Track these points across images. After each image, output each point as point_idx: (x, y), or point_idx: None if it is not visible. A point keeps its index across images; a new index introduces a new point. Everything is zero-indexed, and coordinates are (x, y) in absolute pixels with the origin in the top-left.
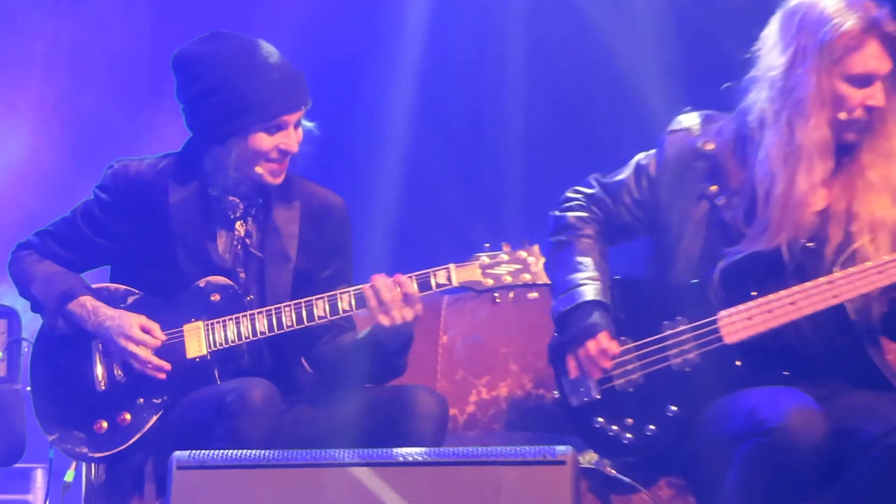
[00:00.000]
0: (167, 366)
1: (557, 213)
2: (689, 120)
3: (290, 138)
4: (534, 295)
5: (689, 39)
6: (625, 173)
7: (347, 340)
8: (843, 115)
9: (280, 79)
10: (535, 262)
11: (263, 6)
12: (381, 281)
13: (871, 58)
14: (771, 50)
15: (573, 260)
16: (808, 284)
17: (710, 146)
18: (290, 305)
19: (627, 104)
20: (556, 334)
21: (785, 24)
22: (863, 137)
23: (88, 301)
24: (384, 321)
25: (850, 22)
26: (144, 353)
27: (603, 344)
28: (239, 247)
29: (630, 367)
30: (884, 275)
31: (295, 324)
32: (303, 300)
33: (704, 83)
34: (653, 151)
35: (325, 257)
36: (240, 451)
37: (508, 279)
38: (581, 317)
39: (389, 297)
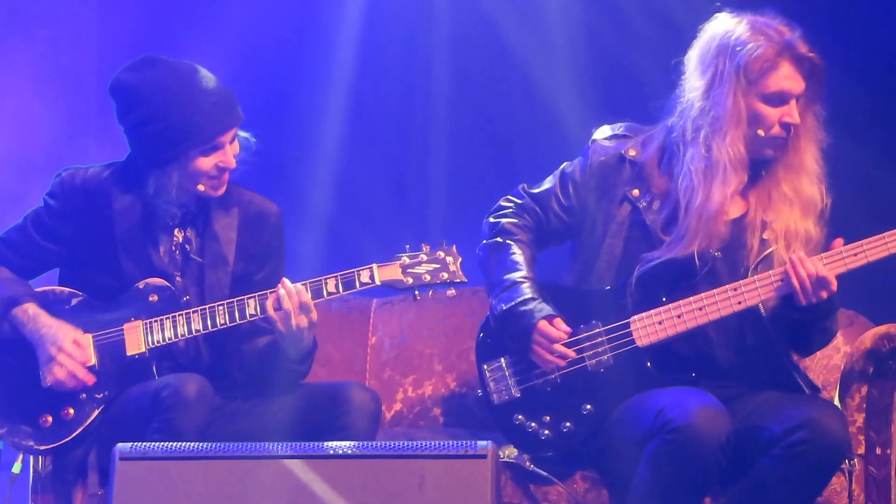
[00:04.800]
0: (91, 380)
1: (492, 219)
2: (615, 129)
3: (228, 155)
4: (451, 292)
5: (603, 62)
6: (551, 182)
7: (261, 345)
8: (761, 132)
9: (214, 103)
10: (452, 262)
11: (201, 20)
12: (283, 288)
13: (785, 78)
14: (692, 73)
15: (509, 260)
16: (715, 291)
17: (634, 153)
18: (223, 304)
19: (544, 121)
20: (481, 335)
21: (703, 49)
22: (779, 153)
23: (31, 307)
24: (280, 328)
25: (762, 46)
26: (71, 364)
27: (550, 333)
28: (178, 252)
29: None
30: (784, 283)
31: (228, 322)
32: (235, 299)
33: (616, 104)
34: (578, 159)
35: (260, 261)
36: (179, 443)
37: (427, 278)
38: (522, 313)
39: (287, 305)
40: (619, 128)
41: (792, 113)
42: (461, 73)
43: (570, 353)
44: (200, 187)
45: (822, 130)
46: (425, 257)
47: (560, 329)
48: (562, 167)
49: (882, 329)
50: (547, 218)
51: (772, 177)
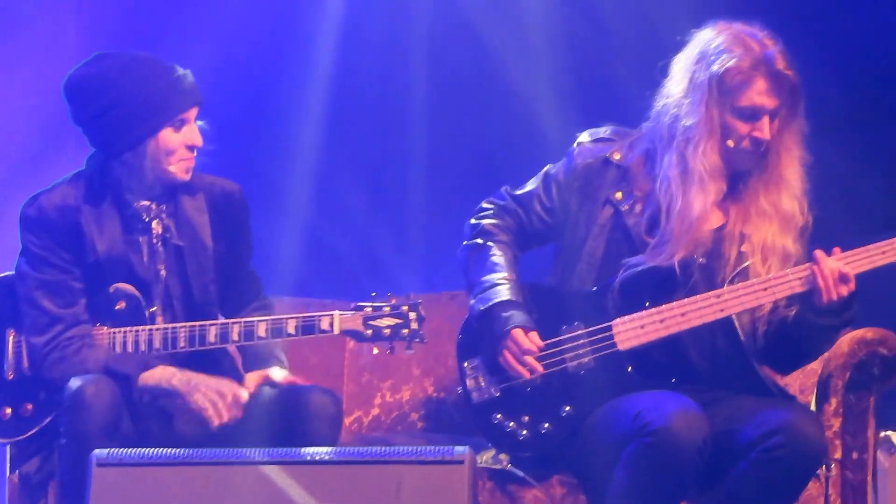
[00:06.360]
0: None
1: (473, 220)
2: (600, 132)
3: (195, 133)
4: (410, 351)
5: (582, 67)
6: (534, 184)
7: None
8: (730, 143)
9: (177, 78)
10: (414, 319)
11: (180, 25)
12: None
13: (757, 94)
14: (673, 78)
15: (489, 261)
16: (697, 297)
17: (618, 156)
18: (185, 327)
19: (523, 125)
20: (461, 334)
21: (686, 55)
22: (755, 167)
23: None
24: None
25: (737, 58)
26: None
27: (522, 343)
28: (159, 244)
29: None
30: (768, 291)
31: (187, 346)
32: (197, 324)
33: (596, 109)
34: (562, 161)
35: (233, 238)
36: (156, 449)
37: (387, 332)
38: (498, 316)
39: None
40: (604, 131)
41: (763, 129)
42: (440, 78)
43: (538, 367)
44: (171, 168)
45: (804, 147)
46: (388, 310)
47: (533, 342)
48: (545, 169)
49: (859, 333)
50: (529, 219)
51: (751, 191)
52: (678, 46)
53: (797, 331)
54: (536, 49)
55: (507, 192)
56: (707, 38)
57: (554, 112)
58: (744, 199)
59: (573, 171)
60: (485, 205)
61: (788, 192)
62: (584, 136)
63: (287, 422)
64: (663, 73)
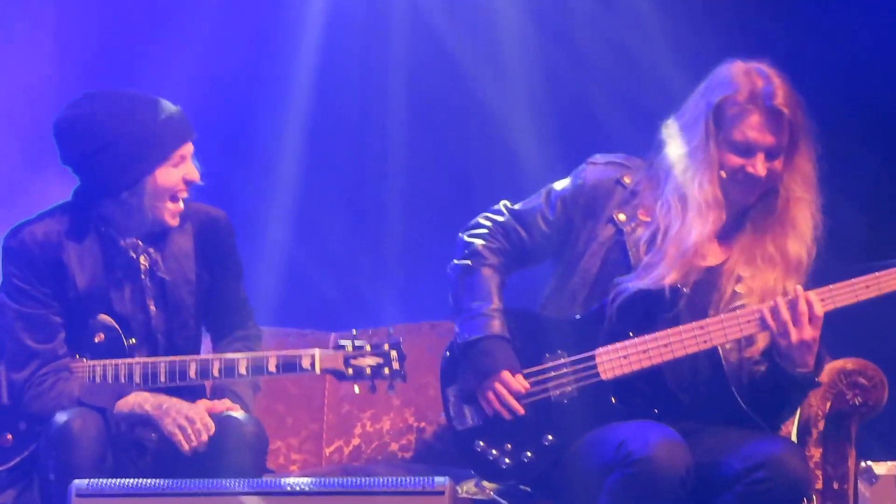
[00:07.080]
0: None
1: (466, 237)
2: (612, 157)
3: (192, 169)
4: (391, 391)
5: (559, 96)
6: (538, 199)
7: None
8: (723, 174)
9: (171, 114)
10: (395, 358)
11: (156, 55)
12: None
13: (751, 128)
14: (682, 107)
15: (479, 287)
16: (680, 328)
17: (628, 180)
18: (165, 362)
19: (501, 153)
20: (447, 353)
21: (699, 86)
22: (760, 204)
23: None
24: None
25: (734, 91)
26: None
27: (510, 385)
28: (147, 279)
29: None
30: (752, 323)
31: (167, 381)
32: (178, 359)
33: (574, 136)
34: (570, 177)
35: (219, 266)
36: (136, 479)
37: (368, 371)
38: (486, 352)
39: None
40: (618, 156)
41: (756, 165)
42: (418, 108)
43: (521, 409)
44: (168, 205)
45: (816, 191)
46: (369, 348)
47: (521, 384)
48: (548, 187)
49: (839, 364)
50: (530, 234)
51: (758, 232)
52: (652, 73)
53: (770, 379)
54: (514, 78)
55: (507, 208)
56: (716, 71)
57: (532, 140)
58: (749, 240)
59: (581, 188)
60: (481, 220)
61: (796, 237)
62: (597, 158)
63: (216, 452)
64: (640, 98)
